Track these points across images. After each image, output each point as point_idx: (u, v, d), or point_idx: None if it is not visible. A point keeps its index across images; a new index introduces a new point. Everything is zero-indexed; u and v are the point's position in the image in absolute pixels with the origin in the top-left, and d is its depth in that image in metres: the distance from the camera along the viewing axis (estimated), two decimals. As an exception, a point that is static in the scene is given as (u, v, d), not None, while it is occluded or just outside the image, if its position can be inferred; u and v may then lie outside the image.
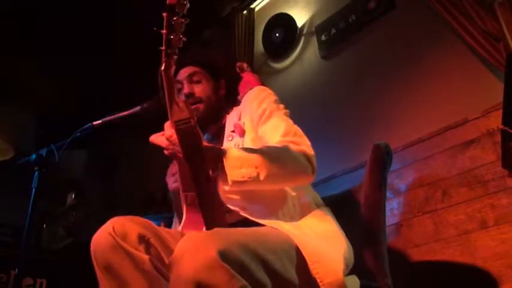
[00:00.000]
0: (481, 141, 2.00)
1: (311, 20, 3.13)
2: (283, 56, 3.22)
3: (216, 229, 0.98)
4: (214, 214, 1.16)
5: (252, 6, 3.49)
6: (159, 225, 2.29)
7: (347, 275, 1.15)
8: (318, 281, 1.05)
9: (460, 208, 1.99)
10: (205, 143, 1.11)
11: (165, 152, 1.17)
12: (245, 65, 1.74)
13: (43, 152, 1.61)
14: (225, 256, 0.85)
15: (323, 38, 2.97)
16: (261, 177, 1.12)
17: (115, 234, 1.12)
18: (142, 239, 1.15)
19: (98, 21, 3.41)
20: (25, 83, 3.75)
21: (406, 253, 2.10)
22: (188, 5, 0.99)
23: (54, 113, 3.89)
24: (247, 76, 1.67)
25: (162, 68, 1.05)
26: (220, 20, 3.58)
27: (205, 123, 1.44)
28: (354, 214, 1.49)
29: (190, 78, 1.47)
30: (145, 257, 1.12)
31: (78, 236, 3.00)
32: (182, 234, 1.24)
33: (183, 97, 1.42)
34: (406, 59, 2.50)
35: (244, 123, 1.39)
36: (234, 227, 1.19)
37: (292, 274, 1.03)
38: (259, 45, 3.37)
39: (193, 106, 1.41)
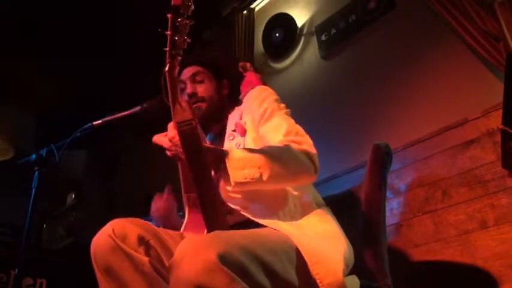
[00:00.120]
0: (481, 141, 2.00)
1: (311, 20, 3.13)
2: (283, 56, 3.22)
3: (215, 232, 0.98)
4: (215, 215, 1.15)
5: (252, 6, 3.49)
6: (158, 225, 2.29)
7: (347, 275, 1.15)
8: (318, 281, 1.05)
9: (460, 208, 1.99)
10: (207, 145, 1.11)
11: (167, 153, 1.17)
12: (248, 64, 1.73)
13: (43, 152, 1.61)
14: (224, 259, 0.85)
15: (323, 38, 2.97)
16: (264, 178, 1.12)
17: (115, 236, 1.12)
18: (142, 240, 1.14)
19: (98, 21, 3.41)
20: (25, 83, 3.75)
21: (406, 253, 2.10)
22: (193, 7, 0.99)
23: (54, 113, 3.89)
24: (250, 76, 1.66)
25: (166, 69, 1.05)
26: (220, 20, 3.59)
27: (208, 122, 1.44)
28: (354, 214, 1.49)
29: (193, 78, 1.47)
30: (145, 258, 1.12)
31: (78, 236, 3.00)
32: (182, 236, 1.25)
33: (185, 97, 1.42)
34: (406, 59, 2.50)
35: (245, 123, 1.38)
36: (234, 228, 1.19)
37: (292, 275, 1.03)
38: (259, 45, 3.37)
39: (195, 105, 1.41)
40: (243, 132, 1.36)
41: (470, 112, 2.09)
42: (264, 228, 1.14)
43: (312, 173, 1.23)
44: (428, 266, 2.02)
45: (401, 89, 2.48)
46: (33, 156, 1.61)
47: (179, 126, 1.04)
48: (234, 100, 1.52)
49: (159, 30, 1.01)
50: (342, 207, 1.43)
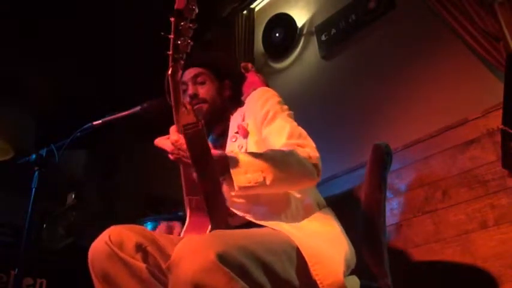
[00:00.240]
0: (481, 141, 2.00)
1: (311, 20, 3.13)
2: (283, 56, 3.22)
3: (215, 231, 0.98)
4: (222, 215, 1.15)
5: (252, 6, 3.50)
6: (157, 225, 2.29)
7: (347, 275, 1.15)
8: (318, 282, 1.05)
9: (460, 208, 1.99)
10: (212, 149, 1.11)
11: (170, 156, 1.17)
12: (250, 65, 1.72)
13: (43, 152, 1.61)
14: (223, 258, 0.85)
15: (323, 38, 2.97)
16: (267, 182, 1.12)
17: (111, 243, 1.12)
18: (139, 247, 1.14)
19: (98, 21, 3.41)
20: (25, 83, 3.75)
21: (406, 253, 2.10)
22: (197, 10, 0.99)
23: (54, 113, 3.89)
24: (252, 76, 1.66)
25: (169, 72, 1.04)
26: (220, 20, 3.58)
27: (210, 123, 1.44)
28: (354, 214, 1.49)
29: (194, 79, 1.47)
30: (142, 265, 1.11)
31: (78, 236, 3.00)
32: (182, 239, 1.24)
33: (187, 98, 1.42)
34: (406, 59, 2.50)
35: (247, 125, 1.38)
36: (236, 227, 1.18)
37: (291, 275, 1.03)
38: (259, 45, 3.37)
39: (197, 106, 1.41)
40: (246, 134, 1.36)
41: (470, 112, 2.09)
42: (264, 228, 1.14)
43: (315, 176, 1.23)
44: (428, 266, 2.02)
45: (401, 89, 2.48)
46: (33, 156, 1.61)
47: (186, 129, 1.04)
48: (237, 101, 1.51)
49: (162, 33, 1.00)
50: (342, 207, 1.43)
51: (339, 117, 2.75)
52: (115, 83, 3.86)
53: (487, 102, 2.04)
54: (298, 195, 1.29)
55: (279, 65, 3.26)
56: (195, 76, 1.47)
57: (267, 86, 1.59)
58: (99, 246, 1.13)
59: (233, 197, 1.21)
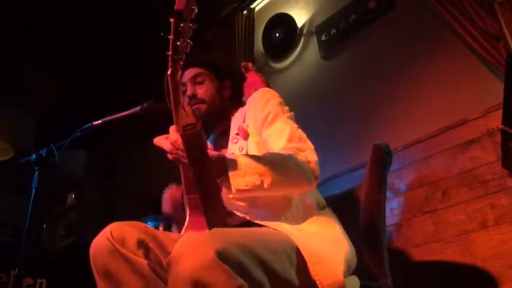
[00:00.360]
0: (481, 141, 2.00)
1: (311, 20, 3.13)
2: (283, 56, 3.22)
3: (214, 229, 0.99)
4: (219, 215, 1.15)
5: (252, 6, 3.49)
6: (158, 225, 2.29)
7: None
8: (318, 282, 1.05)
9: (460, 208, 1.99)
10: (210, 150, 1.11)
11: (169, 156, 1.17)
12: (250, 64, 1.72)
13: (43, 152, 1.62)
14: (223, 256, 0.86)
15: (323, 38, 2.97)
16: (265, 185, 1.12)
17: (113, 239, 1.12)
18: (141, 243, 1.14)
19: (98, 21, 3.41)
20: (25, 83, 3.75)
21: (406, 253, 2.10)
22: (196, 10, 0.98)
23: (54, 113, 3.89)
24: (253, 76, 1.65)
25: (169, 73, 1.04)
26: (220, 20, 3.58)
27: (209, 123, 1.44)
28: (354, 214, 1.49)
29: (193, 79, 1.47)
30: (144, 261, 1.12)
31: (78, 236, 3.00)
32: None
33: (186, 99, 1.42)
34: (406, 59, 2.50)
35: (248, 126, 1.38)
36: (235, 227, 1.18)
37: (291, 275, 1.03)
38: (259, 45, 3.37)
39: (195, 106, 1.41)
40: (246, 136, 1.36)
41: (470, 112, 2.09)
42: (264, 228, 1.14)
43: (312, 180, 1.23)
44: (428, 266, 2.02)
45: (401, 89, 2.48)
46: (33, 156, 1.62)
47: (184, 130, 1.04)
48: (237, 101, 1.51)
49: (162, 34, 1.00)
50: (342, 208, 1.43)
51: (339, 117, 2.75)
52: (115, 83, 3.86)
53: (487, 102, 2.04)
54: (298, 196, 1.29)
55: (279, 65, 3.26)
56: (194, 76, 1.47)
57: (268, 86, 1.59)
58: (100, 242, 1.13)
59: (232, 199, 1.21)
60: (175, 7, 0.97)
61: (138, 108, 1.57)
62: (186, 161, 1.10)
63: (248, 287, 0.87)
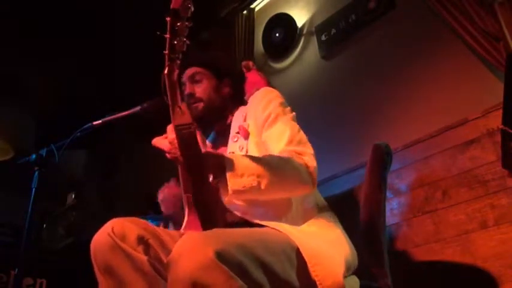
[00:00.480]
0: (481, 141, 2.00)
1: (311, 20, 3.13)
2: (283, 56, 3.22)
3: (214, 229, 0.98)
4: (213, 214, 1.15)
5: (252, 6, 3.49)
6: (158, 225, 2.29)
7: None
8: (318, 283, 1.05)
9: (460, 208, 1.99)
10: (207, 149, 1.11)
11: (167, 155, 1.17)
12: (251, 63, 1.71)
13: (43, 152, 1.61)
14: (222, 256, 0.85)
15: (323, 38, 2.97)
16: (262, 187, 1.12)
17: (114, 235, 1.12)
18: (141, 240, 1.15)
19: (98, 21, 3.41)
20: (25, 83, 3.75)
21: (406, 253, 2.10)
22: (192, 8, 0.98)
23: (54, 113, 3.89)
24: (254, 76, 1.64)
25: (166, 72, 1.04)
26: (220, 20, 3.58)
27: (208, 121, 1.45)
28: (354, 214, 1.49)
29: (192, 78, 1.47)
30: (144, 257, 1.12)
31: (78, 236, 3.00)
32: (182, 235, 1.24)
33: (186, 98, 1.43)
34: (406, 59, 2.50)
35: (248, 126, 1.38)
36: (234, 226, 1.18)
37: (291, 276, 1.03)
38: (259, 45, 3.37)
39: (193, 105, 1.41)
40: (246, 136, 1.36)
41: (470, 112, 2.09)
42: (264, 228, 1.14)
43: (309, 186, 1.23)
44: (428, 266, 2.02)
45: (401, 89, 2.48)
46: (33, 156, 1.61)
47: (178, 129, 1.05)
48: (238, 99, 1.51)
49: (158, 33, 1.00)
50: (342, 208, 1.43)
51: (339, 117, 2.75)
52: (115, 83, 3.86)
53: (487, 102, 2.04)
54: (298, 197, 1.28)
55: (279, 65, 3.26)
56: (192, 75, 1.47)
57: (270, 85, 1.58)
58: (101, 237, 1.13)
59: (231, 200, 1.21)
60: (172, 6, 0.97)
61: (138, 108, 1.56)
62: (181, 159, 1.10)
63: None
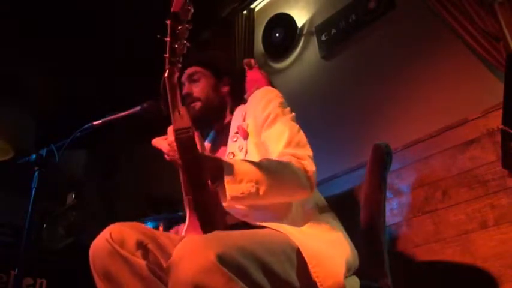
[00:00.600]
0: (481, 141, 2.00)
1: (311, 20, 3.13)
2: (283, 56, 3.22)
3: (214, 232, 0.98)
4: (213, 217, 1.15)
5: (252, 6, 3.49)
6: (158, 226, 2.29)
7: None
8: (318, 284, 1.04)
9: (460, 208, 1.99)
10: (206, 153, 1.11)
11: (166, 157, 1.17)
12: (253, 61, 1.69)
13: (43, 152, 1.61)
14: (223, 259, 0.85)
15: (323, 38, 2.97)
16: (260, 193, 1.12)
17: (112, 240, 1.12)
18: (140, 245, 1.14)
19: (98, 21, 3.41)
20: (25, 83, 3.75)
21: (406, 253, 2.10)
22: (192, 10, 0.97)
23: (54, 113, 3.89)
24: (256, 74, 1.63)
25: (166, 75, 1.04)
26: (220, 20, 3.58)
27: (206, 120, 1.45)
28: (354, 214, 1.49)
29: (190, 78, 1.48)
30: (143, 262, 1.11)
31: (78, 236, 3.00)
32: (182, 239, 1.24)
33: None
34: (406, 59, 2.50)
35: (247, 126, 1.37)
36: (234, 228, 1.18)
37: (291, 276, 1.03)
38: (259, 45, 3.37)
39: (191, 105, 1.41)
40: (246, 136, 1.35)
41: (470, 112, 2.09)
42: (264, 229, 1.14)
43: (308, 190, 1.22)
44: (428, 266, 2.02)
45: (401, 89, 2.48)
46: (33, 156, 1.61)
47: (176, 133, 1.04)
48: (238, 97, 1.51)
49: (159, 36, 0.99)
50: (342, 208, 1.43)
51: (339, 117, 2.75)
52: (115, 83, 3.86)
53: (487, 102, 2.04)
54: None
55: (279, 65, 3.26)
56: (191, 75, 1.48)
57: (271, 84, 1.57)
58: (100, 243, 1.13)
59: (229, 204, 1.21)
60: (172, 9, 0.96)
61: (138, 108, 1.56)
62: (180, 162, 1.10)
63: None
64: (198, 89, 1.45)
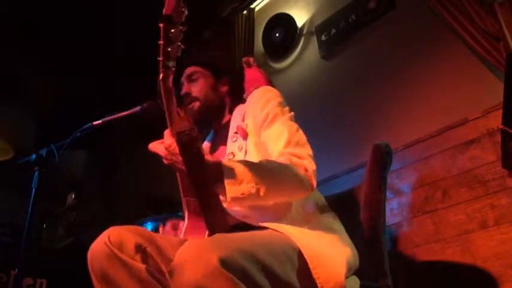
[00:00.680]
0: (481, 141, 2.00)
1: (311, 20, 3.13)
2: (283, 56, 3.22)
3: (216, 235, 0.98)
4: (216, 217, 1.15)
5: (252, 6, 3.49)
6: (158, 226, 2.29)
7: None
8: (319, 285, 1.04)
9: (460, 208, 1.99)
10: (206, 154, 1.10)
11: (164, 161, 1.16)
12: (252, 59, 1.68)
13: (43, 152, 1.61)
14: (226, 263, 0.85)
15: (323, 38, 2.97)
16: (260, 194, 1.11)
17: (111, 244, 1.12)
18: (139, 248, 1.14)
19: (98, 21, 3.41)
20: (25, 83, 3.75)
21: (406, 253, 2.10)
22: (186, 12, 0.94)
23: (54, 113, 3.89)
24: (255, 73, 1.62)
25: (160, 78, 1.03)
26: (220, 20, 3.59)
27: (204, 120, 1.44)
28: (354, 214, 1.49)
29: (189, 78, 1.48)
30: (142, 266, 1.11)
31: (78, 236, 3.00)
32: (181, 242, 1.24)
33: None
34: (406, 59, 2.50)
35: (247, 126, 1.37)
36: (236, 228, 1.18)
37: (292, 277, 1.03)
38: (259, 45, 3.37)
39: (189, 105, 1.41)
40: (245, 136, 1.35)
41: (470, 112, 2.09)
42: (266, 230, 1.13)
43: (308, 190, 1.22)
44: (428, 266, 2.02)
45: (401, 89, 2.48)
46: (33, 156, 1.61)
47: (179, 136, 1.02)
48: (237, 97, 1.50)
49: (159, 42, 0.97)
50: (342, 208, 1.43)
51: (339, 117, 2.75)
52: (115, 83, 3.86)
53: (487, 102, 2.04)
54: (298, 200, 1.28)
55: (279, 65, 3.26)
56: (190, 75, 1.48)
57: (270, 83, 1.57)
58: (98, 247, 1.13)
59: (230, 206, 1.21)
60: (164, 12, 0.93)
61: (138, 108, 1.56)
62: (181, 166, 1.09)
63: None
64: (197, 89, 1.45)
